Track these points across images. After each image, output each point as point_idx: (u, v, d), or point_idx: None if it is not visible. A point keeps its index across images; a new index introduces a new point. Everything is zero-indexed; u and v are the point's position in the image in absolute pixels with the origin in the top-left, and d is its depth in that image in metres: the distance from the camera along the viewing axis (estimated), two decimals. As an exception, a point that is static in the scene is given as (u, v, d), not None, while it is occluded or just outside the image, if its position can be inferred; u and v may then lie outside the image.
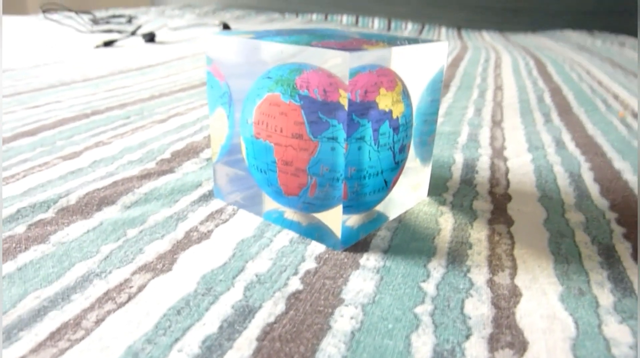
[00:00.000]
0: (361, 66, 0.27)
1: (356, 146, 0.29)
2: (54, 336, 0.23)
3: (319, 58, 0.28)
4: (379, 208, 0.33)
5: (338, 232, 0.30)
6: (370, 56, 0.28)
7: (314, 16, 2.20)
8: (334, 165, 0.29)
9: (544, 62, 1.13)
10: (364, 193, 0.31)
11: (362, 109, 0.28)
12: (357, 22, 2.09)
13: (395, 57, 0.30)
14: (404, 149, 0.33)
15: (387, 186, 0.32)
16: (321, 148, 0.29)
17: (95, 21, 1.68)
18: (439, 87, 0.36)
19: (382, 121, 0.30)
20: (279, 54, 0.30)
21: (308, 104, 0.28)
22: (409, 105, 0.32)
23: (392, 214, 0.35)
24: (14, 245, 0.30)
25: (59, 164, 0.43)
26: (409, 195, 0.36)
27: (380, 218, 0.34)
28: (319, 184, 0.30)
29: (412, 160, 0.35)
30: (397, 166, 0.33)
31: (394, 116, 0.31)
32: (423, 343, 0.23)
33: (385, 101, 0.30)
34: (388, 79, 0.30)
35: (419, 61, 0.32)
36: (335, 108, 0.27)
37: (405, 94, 0.31)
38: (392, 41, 0.32)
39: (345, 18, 2.13)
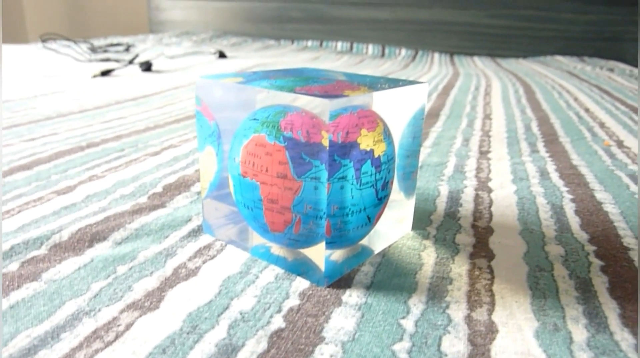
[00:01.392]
0: (342, 108, 0.29)
1: (338, 185, 0.30)
2: (42, 376, 0.23)
3: (302, 103, 0.29)
4: (364, 242, 0.34)
5: (322, 267, 0.31)
6: (350, 102, 0.29)
7: (309, 43, 2.24)
8: (317, 203, 0.30)
9: (534, 89, 1.15)
10: (347, 229, 0.32)
11: (343, 150, 0.29)
12: (351, 48, 2.13)
13: (377, 100, 0.31)
14: (386, 186, 0.34)
15: (370, 221, 0.33)
16: (305, 187, 0.30)
17: (93, 50, 1.70)
18: (420, 124, 0.37)
19: (363, 160, 0.31)
20: (264, 98, 0.31)
21: (292, 145, 0.30)
22: (390, 143, 0.33)
23: (377, 248, 0.36)
24: (7, 282, 0.31)
25: (53, 199, 0.44)
26: (393, 228, 0.37)
27: (365, 252, 0.35)
28: (303, 221, 0.31)
29: (396, 193, 0.36)
30: (380, 202, 0.34)
31: (376, 155, 0.32)
32: (399, 381, 0.23)
33: (366, 141, 0.31)
34: (369, 119, 0.31)
35: (400, 102, 0.34)
36: (318, 149, 0.29)
37: (387, 133, 0.33)
38: (374, 84, 0.34)
39: (340, 44, 2.17)
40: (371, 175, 0.32)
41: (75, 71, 1.29)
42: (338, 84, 0.33)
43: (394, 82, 0.35)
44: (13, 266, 0.33)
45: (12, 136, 0.65)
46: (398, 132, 0.34)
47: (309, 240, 0.31)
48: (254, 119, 0.32)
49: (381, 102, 0.32)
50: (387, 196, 0.35)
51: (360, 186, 0.31)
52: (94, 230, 0.38)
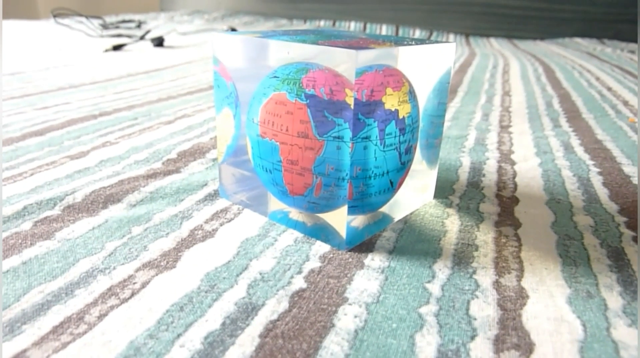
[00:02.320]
0: (367, 66, 0.27)
1: (362, 145, 0.28)
2: (57, 330, 0.23)
3: (325, 57, 0.28)
4: (384, 209, 0.33)
5: (343, 232, 0.30)
6: (377, 55, 0.28)
7: (322, 22, 2.21)
8: (340, 164, 0.29)
9: (553, 69, 1.12)
10: (369, 193, 0.31)
11: (368, 109, 0.28)
12: (364, 28, 2.10)
13: (402, 57, 0.30)
14: (410, 151, 0.33)
15: (392, 187, 0.32)
16: (327, 147, 0.29)
17: (105, 26, 1.69)
18: (445, 89, 0.36)
19: (388, 121, 0.30)
20: (285, 53, 0.30)
21: (314, 103, 0.28)
22: (415, 106, 0.32)
23: (398, 216, 0.35)
24: (19, 240, 0.30)
25: (66, 163, 0.43)
26: (414, 197, 0.36)
27: (386, 219, 0.33)
28: (324, 183, 0.30)
29: (419, 162, 0.35)
30: (403, 167, 0.32)
31: (400, 116, 0.30)
32: (427, 343, 0.22)
33: (391, 101, 0.29)
34: (395, 79, 0.29)
35: (426, 61, 0.32)
36: (341, 107, 0.27)
37: (412, 95, 0.31)
38: (399, 42, 0.32)
39: (353, 25, 2.13)
40: (395, 137, 0.31)
41: (87, 45, 1.28)
42: (362, 40, 0.32)
43: (420, 41, 0.34)
44: (26, 226, 0.32)
45: (24, 105, 0.64)
46: (423, 96, 0.33)
47: (330, 204, 0.30)
48: (274, 76, 0.30)
49: (407, 60, 0.30)
50: (410, 162, 0.33)
51: (384, 147, 0.30)
52: (108, 193, 0.37)
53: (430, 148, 0.36)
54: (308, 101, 0.29)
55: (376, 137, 0.29)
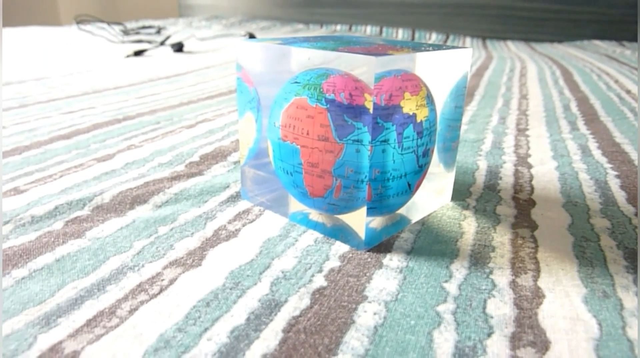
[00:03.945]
0: (386, 71, 0.28)
1: (380, 148, 0.29)
2: (90, 323, 0.24)
3: (345, 63, 0.29)
4: (402, 211, 0.34)
5: (362, 233, 0.31)
6: (395, 61, 0.29)
7: (338, 27, 2.23)
8: (359, 167, 0.29)
9: (571, 72, 1.12)
10: (387, 195, 0.31)
11: (386, 113, 0.29)
12: (381, 32, 2.11)
13: (420, 63, 0.31)
14: (427, 153, 0.33)
15: (410, 189, 0.33)
16: (346, 150, 0.30)
17: (125, 32, 1.73)
18: (462, 93, 0.36)
19: (406, 124, 0.30)
20: (306, 60, 0.31)
21: (334, 107, 0.29)
22: (433, 110, 0.33)
23: (415, 218, 0.35)
24: (52, 239, 0.32)
25: (93, 166, 0.45)
26: (432, 199, 0.37)
27: (403, 220, 0.34)
28: (343, 185, 0.31)
29: (436, 165, 0.36)
30: (421, 169, 0.33)
31: (418, 120, 0.31)
32: (445, 339, 0.23)
33: (409, 105, 0.30)
34: (412, 83, 0.30)
35: (443, 66, 0.33)
36: (361, 111, 0.28)
37: (430, 99, 0.32)
38: (417, 47, 0.33)
39: (369, 29, 2.14)
40: (413, 140, 0.31)
41: (108, 51, 1.31)
42: (380, 46, 0.33)
43: (437, 47, 0.34)
44: (58, 225, 0.34)
45: (50, 109, 0.66)
46: (440, 100, 0.34)
47: (349, 205, 0.31)
48: (296, 82, 0.31)
49: (424, 65, 0.31)
50: (427, 165, 0.34)
51: (402, 150, 0.31)
52: (134, 194, 0.39)
53: (447, 151, 0.37)
54: (328, 105, 0.30)
55: (394, 140, 0.30)
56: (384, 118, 0.29)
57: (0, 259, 0.29)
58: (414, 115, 0.31)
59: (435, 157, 0.35)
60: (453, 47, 0.34)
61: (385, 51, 0.30)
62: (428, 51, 0.32)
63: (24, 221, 0.34)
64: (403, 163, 0.31)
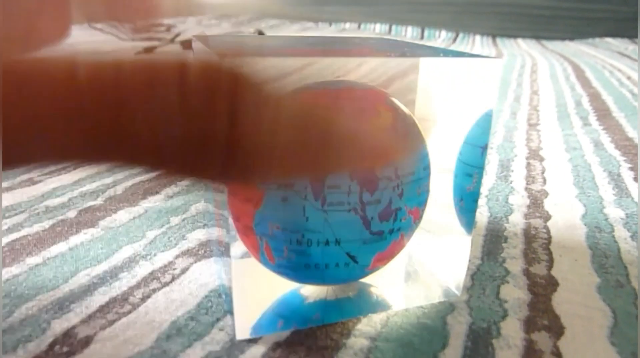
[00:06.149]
0: (314, 83, 0.20)
1: (278, 196, 0.20)
2: (103, 309, 0.24)
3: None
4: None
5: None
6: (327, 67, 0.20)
7: (347, 25, 2.23)
8: (289, 223, 0.21)
9: (583, 69, 1.11)
10: (306, 263, 0.22)
11: None
12: (390, 30, 2.10)
13: (423, 72, 0.23)
14: (396, 216, 0.22)
15: (356, 262, 0.22)
16: (267, 198, 0.20)
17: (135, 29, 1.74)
18: (487, 127, 0.23)
19: None
20: None
21: None
22: (417, 150, 0.22)
23: (398, 305, 0.25)
24: (65, 227, 0.32)
25: (105, 159, 0.45)
26: (428, 286, 0.27)
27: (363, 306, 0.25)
28: (273, 248, 0.22)
29: (445, 230, 0.26)
30: (382, 238, 0.22)
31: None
32: (458, 322, 0.23)
33: None
34: (362, 103, 0.21)
35: (457, 83, 0.23)
36: None
37: (409, 130, 0.22)
38: (416, 50, 0.23)
39: (378, 27, 2.14)
40: (350, 194, 0.20)
41: (119, 48, 1.32)
42: (360, 48, 0.23)
43: (448, 52, 0.23)
44: (71, 214, 0.34)
45: (63, 105, 0.66)
46: (458, 136, 0.24)
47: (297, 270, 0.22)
48: None
49: (424, 78, 0.23)
50: (401, 232, 0.22)
51: (324, 206, 0.20)
52: (147, 186, 0.39)
53: (464, 212, 0.25)
54: None
55: (306, 188, 0.20)
56: None
57: (0, 260, 0.29)
58: None
59: (440, 218, 0.26)
60: (473, 56, 0.22)
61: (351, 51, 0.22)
62: (432, 55, 0.22)
63: (39, 210, 0.34)
64: (329, 224, 0.21)
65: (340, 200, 0.20)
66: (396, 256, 0.24)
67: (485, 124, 0.23)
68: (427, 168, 0.23)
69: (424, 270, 0.28)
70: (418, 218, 0.23)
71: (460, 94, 0.24)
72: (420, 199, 0.23)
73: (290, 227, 0.21)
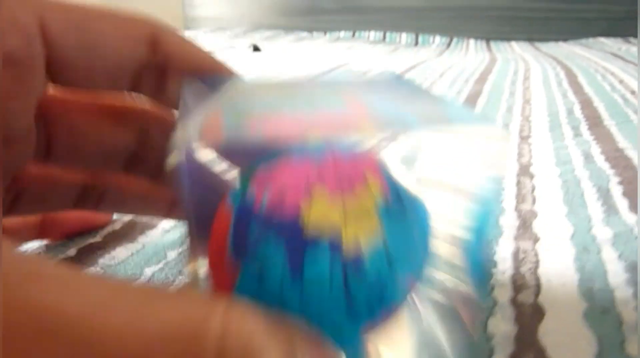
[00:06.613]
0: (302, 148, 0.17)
1: (250, 269, 0.17)
2: (105, 353, 0.25)
3: None
4: None
5: None
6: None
7: (342, 34, 2.24)
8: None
9: (575, 73, 1.12)
10: None
11: (266, 221, 0.16)
12: (384, 37, 2.12)
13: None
14: (389, 295, 0.17)
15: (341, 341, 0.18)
16: (245, 271, 0.17)
17: (132, 48, 1.75)
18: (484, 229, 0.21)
19: (313, 244, 0.16)
20: None
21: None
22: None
23: None
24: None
25: (103, 191, 0.46)
26: None
27: None
28: None
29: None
30: (360, 318, 0.17)
31: (350, 242, 0.16)
32: None
33: (325, 214, 0.16)
34: (351, 171, 0.17)
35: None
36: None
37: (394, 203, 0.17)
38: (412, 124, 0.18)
39: (372, 34, 2.16)
40: (333, 270, 0.16)
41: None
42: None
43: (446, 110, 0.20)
44: (71, 252, 0.35)
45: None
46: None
47: None
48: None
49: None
50: (390, 312, 0.18)
51: (299, 279, 0.16)
52: (144, 220, 0.40)
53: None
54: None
55: (283, 259, 0.16)
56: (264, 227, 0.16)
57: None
58: (337, 233, 0.16)
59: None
60: (479, 120, 0.20)
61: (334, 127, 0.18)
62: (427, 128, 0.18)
63: (39, 250, 0.35)
64: (305, 300, 0.16)
65: (320, 276, 0.17)
66: None
67: (481, 224, 0.20)
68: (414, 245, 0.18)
69: None
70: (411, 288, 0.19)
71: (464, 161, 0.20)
72: (404, 274, 0.18)
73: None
